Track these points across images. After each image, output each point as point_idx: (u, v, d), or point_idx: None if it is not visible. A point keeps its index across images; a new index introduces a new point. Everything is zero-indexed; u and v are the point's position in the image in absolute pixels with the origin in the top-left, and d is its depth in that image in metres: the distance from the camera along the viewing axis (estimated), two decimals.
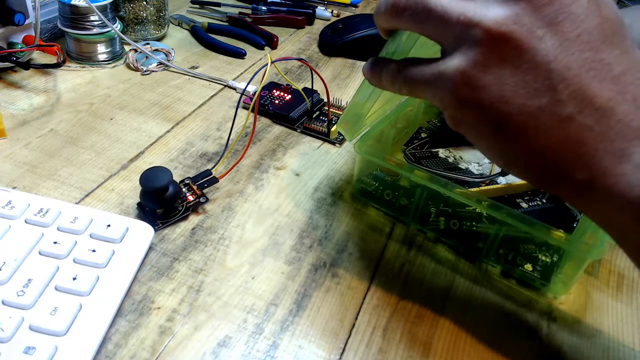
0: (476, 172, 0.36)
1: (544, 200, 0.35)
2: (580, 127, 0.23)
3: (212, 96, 0.55)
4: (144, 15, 0.63)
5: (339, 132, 0.50)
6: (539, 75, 0.23)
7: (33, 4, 0.52)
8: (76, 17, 0.55)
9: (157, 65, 0.59)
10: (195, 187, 0.41)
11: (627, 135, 0.23)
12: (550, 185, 0.26)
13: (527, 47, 0.23)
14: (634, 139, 0.23)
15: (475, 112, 0.25)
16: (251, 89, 0.55)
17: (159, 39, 0.66)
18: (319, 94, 0.55)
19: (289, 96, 0.54)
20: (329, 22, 0.74)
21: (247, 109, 0.53)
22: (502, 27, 0.24)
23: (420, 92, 0.28)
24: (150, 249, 0.36)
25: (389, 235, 0.40)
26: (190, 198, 0.40)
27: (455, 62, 0.25)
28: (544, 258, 0.36)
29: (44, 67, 0.53)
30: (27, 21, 0.53)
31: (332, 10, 0.79)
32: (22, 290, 0.30)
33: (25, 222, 0.34)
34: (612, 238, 0.25)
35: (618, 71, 0.23)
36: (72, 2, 0.55)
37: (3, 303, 0.29)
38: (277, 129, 0.51)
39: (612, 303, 0.37)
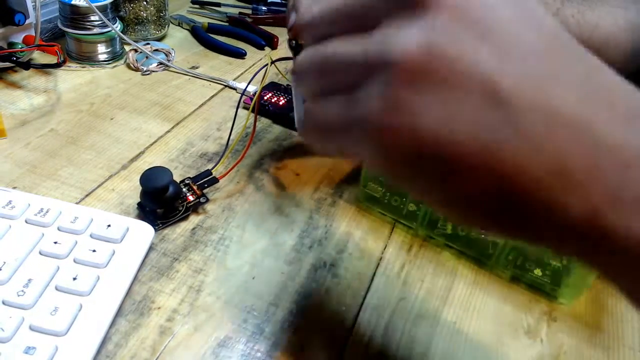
0: None
1: None
2: (555, 148, 0.17)
3: (212, 96, 0.55)
4: (144, 15, 0.63)
5: None
6: (484, 94, 0.18)
7: (33, 3, 0.52)
8: (76, 17, 0.56)
9: (158, 65, 0.59)
10: (195, 187, 0.41)
11: (619, 154, 0.17)
12: (527, 232, 0.19)
13: (461, 65, 0.18)
14: (632, 158, 0.17)
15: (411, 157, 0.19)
16: (251, 89, 0.55)
17: (159, 39, 0.66)
18: None
19: (290, 96, 0.54)
20: None
21: (247, 109, 0.53)
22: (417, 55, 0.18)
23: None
24: (150, 249, 0.36)
25: (389, 235, 0.40)
26: (191, 198, 0.40)
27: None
28: (553, 262, 0.35)
29: (44, 67, 0.53)
30: (27, 21, 0.53)
31: None
32: (22, 290, 0.30)
33: (26, 222, 0.34)
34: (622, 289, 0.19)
35: (574, 78, 0.18)
36: (73, 2, 0.55)
37: (3, 303, 0.29)
38: (278, 129, 0.51)
39: (612, 303, 0.37)
